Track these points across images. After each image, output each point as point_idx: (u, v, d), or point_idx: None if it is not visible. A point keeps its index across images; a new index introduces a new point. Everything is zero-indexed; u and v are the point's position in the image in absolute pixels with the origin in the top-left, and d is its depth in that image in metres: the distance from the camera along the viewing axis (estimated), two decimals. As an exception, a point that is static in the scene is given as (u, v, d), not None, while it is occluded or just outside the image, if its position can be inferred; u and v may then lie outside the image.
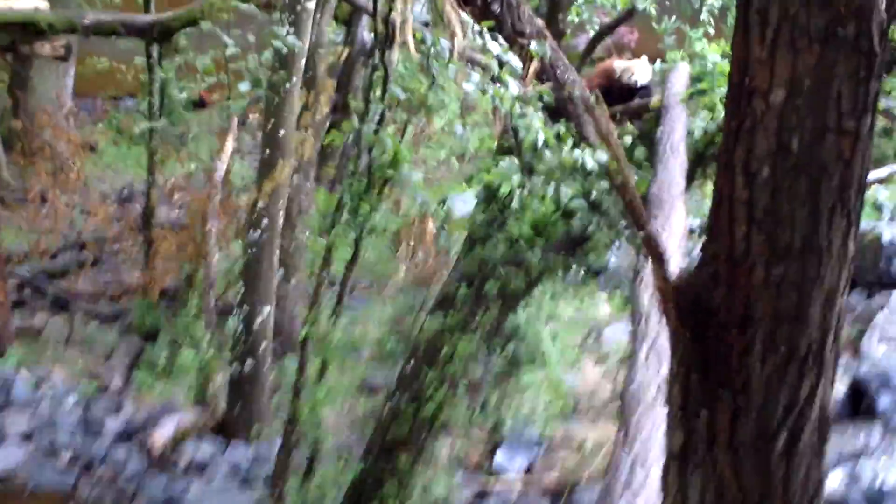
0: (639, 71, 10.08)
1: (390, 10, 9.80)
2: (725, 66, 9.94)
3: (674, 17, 11.59)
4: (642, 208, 3.11)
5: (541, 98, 8.29)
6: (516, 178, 8.73)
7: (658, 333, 6.04)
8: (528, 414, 12.98)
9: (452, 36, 7.40)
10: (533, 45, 8.07)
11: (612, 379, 13.85)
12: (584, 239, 9.48)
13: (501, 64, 7.58)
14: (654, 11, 12.56)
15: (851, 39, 2.85)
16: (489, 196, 9.75)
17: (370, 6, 11.45)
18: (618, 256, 15.56)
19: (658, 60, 10.47)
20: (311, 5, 11.61)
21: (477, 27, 7.42)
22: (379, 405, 11.13)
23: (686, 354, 3.08)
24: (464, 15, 7.45)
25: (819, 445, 3.11)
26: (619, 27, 17.83)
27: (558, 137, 8.48)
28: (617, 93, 9.83)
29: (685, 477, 3.17)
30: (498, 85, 7.57)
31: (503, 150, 9.23)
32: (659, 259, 3.05)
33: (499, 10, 7.90)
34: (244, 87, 11.77)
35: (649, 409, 5.26)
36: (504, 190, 8.72)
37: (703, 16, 11.44)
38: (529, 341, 12.97)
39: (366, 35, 14.64)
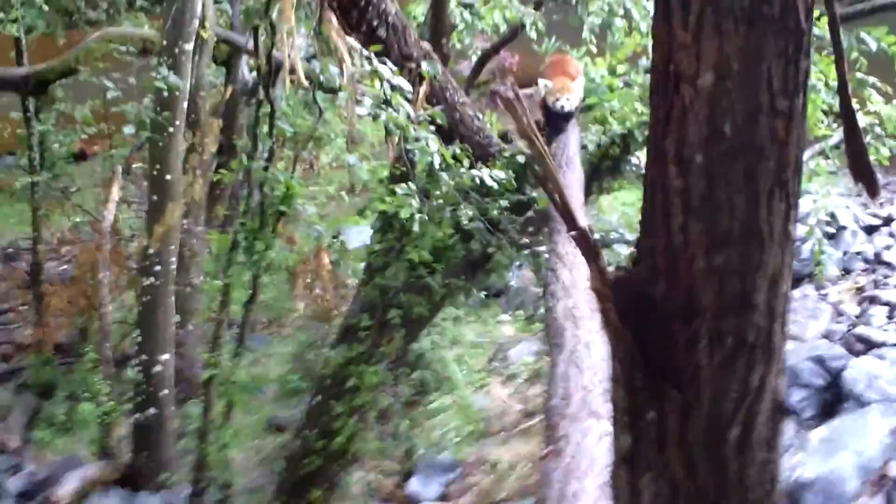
0: (566, 97, 9.21)
1: (272, 46, 9.67)
2: (612, 80, 9.95)
3: (554, 38, 11.53)
4: (570, 205, 2.98)
5: (433, 121, 8.18)
6: (414, 202, 8.60)
7: (575, 346, 5.94)
8: (439, 439, 12.87)
9: (341, 62, 7.25)
10: (424, 66, 7.96)
11: (520, 398, 13.78)
12: (484, 260, 9.38)
13: (392, 87, 7.44)
14: (534, 34, 12.53)
15: (777, 18, 2.75)
16: (385, 225, 9.62)
17: (250, 45, 11.34)
18: (518, 276, 15.54)
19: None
20: (190, 47, 11.40)
21: (365, 52, 7.26)
22: (288, 442, 10.93)
23: (628, 354, 2.95)
24: (351, 40, 7.31)
25: (773, 436, 2.99)
26: (501, 52, 17.91)
27: (454, 158, 8.38)
28: (545, 120, 9.39)
29: (636, 481, 3.04)
30: (390, 109, 7.42)
31: (397, 178, 9.09)
32: (594, 257, 2.92)
33: (385, 35, 7.77)
34: (128, 130, 11.50)
35: (575, 420, 5.15)
36: (403, 215, 8.58)
37: (585, 34, 11.38)
38: (435, 367, 12.90)
39: (247, 74, 14.46)
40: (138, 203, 16.85)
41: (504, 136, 9.54)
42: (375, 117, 7.69)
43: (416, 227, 8.35)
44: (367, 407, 9.85)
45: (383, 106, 7.39)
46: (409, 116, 7.58)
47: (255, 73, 14.01)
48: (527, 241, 9.33)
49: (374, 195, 10.17)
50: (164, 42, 11.41)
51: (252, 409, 13.03)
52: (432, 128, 8.21)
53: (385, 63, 7.45)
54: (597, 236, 8.14)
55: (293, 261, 13.88)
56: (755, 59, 2.76)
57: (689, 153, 2.81)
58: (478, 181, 8.47)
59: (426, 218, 8.86)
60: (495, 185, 8.49)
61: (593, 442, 4.91)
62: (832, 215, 15.08)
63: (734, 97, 2.77)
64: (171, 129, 11.32)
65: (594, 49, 11.14)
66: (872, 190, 3.11)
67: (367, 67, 7.45)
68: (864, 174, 3.09)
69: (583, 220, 6.80)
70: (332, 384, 9.90)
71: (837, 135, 10.11)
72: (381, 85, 7.39)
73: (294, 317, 15.37)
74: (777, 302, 2.89)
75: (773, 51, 2.77)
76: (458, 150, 8.31)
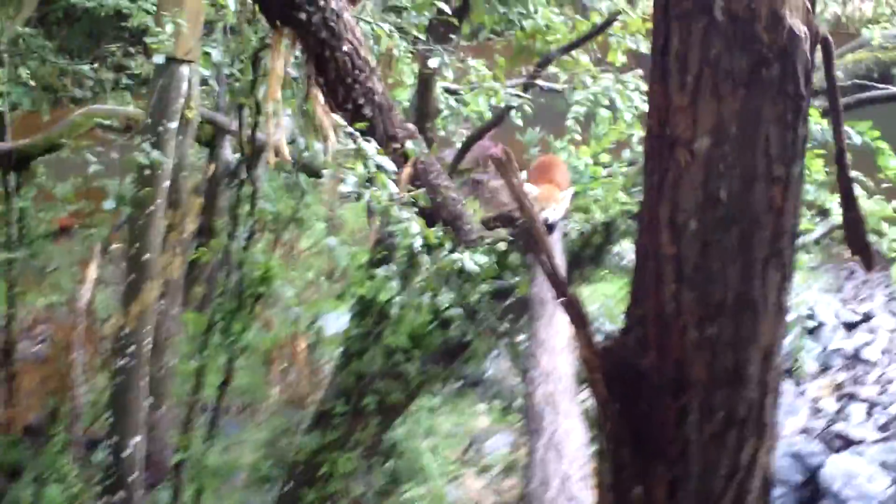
0: (552, 207, 8.44)
1: (256, 125, 9.64)
2: (596, 169, 9.90)
3: (539, 128, 11.50)
4: (559, 270, 2.88)
5: (415, 203, 8.11)
6: (393, 285, 8.51)
7: (555, 431, 5.80)
8: (411, 529, 12.69)
9: (325, 139, 7.18)
10: (409, 144, 7.90)
11: (495, 490, 13.61)
12: (462, 347, 9.26)
13: (377, 167, 7.37)
14: (520, 121, 12.53)
15: (777, 82, 2.68)
16: (363, 309, 9.52)
17: (234, 126, 11.30)
18: (496, 366, 15.45)
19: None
20: (174, 126, 11.35)
21: (350, 129, 7.20)
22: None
23: (615, 426, 2.84)
24: (336, 117, 7.25)
25: (764, 506, 2.88)
26: (483, 140, 17.92)
27: (436, 241, 8.32)
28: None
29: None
30: (374, 188, 7.34)
31: (377, 262, 9.01)
32: (582, 324, 2.82)
33: (370, 114, 7.70)
34: (109, 205, 11.39)
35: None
36: (382, 298, 8.48)
37: (569, 122, 11.34)
38: (409, 457, 12.72)
39: (230, 155, 14.41)
40: (116, 283, 16.70)
41: (486, 224, 9.45)
42: (359, 197, 7.62)
43: (394, 311, 8.24)
44: (340, 495, 9.66)
45: (367, 184, 7.30)
46: (391, 197, 7.50)
47: (238, 155, 13.99)
48: (506, 328, 9.23)
49: (353, 279, 10.04)
50: (149, 119, 11.35)
51: (223, 495, 12.81)
52: (415, 209, 8.15)
53: (370, 142, 7.39)
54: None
55: (269, 344, 13.74)
56: (753, 123, 2.69)
57: (683, 219, 2.73)
58: (459, 265, 8.39)
59: (405, 302, 8.79)
60: (476, 270, 8.40)
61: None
62: (812, 310, 15.05)
63: (730, 162, 2.70)
64: (151, 208, 11.21)
65: (578, 137, 11.10)
66: (868, 262, 3.03)
67: (352, 146, 7.37)
68: (860, 246, 3.01)
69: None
70: (304, 471, 9.74)
71: (820, 228, 10.06)
72: (366, 164, 7.31)
73: (268, 403, 15.18)
74: (770, 375, 2.80)
75: (772, 116, 2.70)
76: (440, 233, 8.24)
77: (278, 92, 7.16)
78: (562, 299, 2.85)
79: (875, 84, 10.67)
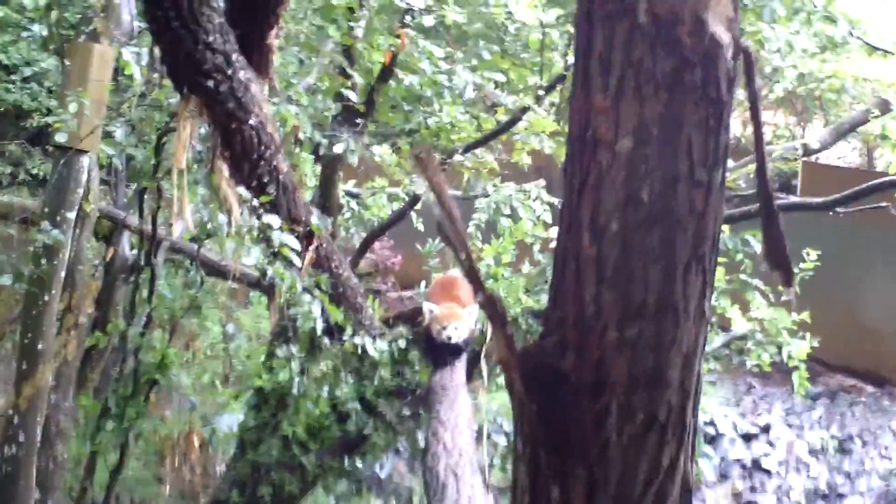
0: (454, 326, 8.17)
1: (156, 213, 9.56)
2: (498, 269, 9.89)
3: (437, 239, 11.47)
4: (477, 267, 2.85)
5: (318, 287, 8.07)
6: (293, 366, 8.41)
7: (457, 500, 5.78)
8: None
9: (230, 212, 7.13)
10: (314, 219, 7.86)
11: None
12: (359, 442, 9.17)
13: (280, 244, 7.33)
14: (422, 226, 12.57)
15: (699, 86, 2.71)
16: (260, 401, 9.38)
17: (132, 221, 11.20)
18: (393, 466, 15.31)
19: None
20: (72, 216, 11.21)
21: (255, 202, 7.15)
22: None
23: (533, 429, 2.80)
24: (241, 190, 7.20)
25: (683, 516, 2.84)
26: (384, 250, 17.95)
27: (337, 326, 8.29)
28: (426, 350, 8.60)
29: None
30: (277, 263, 7.29)
31: (277, 343, 8.93)
32: (500, 324, 2.79)
33: (274, 193, 7.66)
34: (6, 279, 11.18)
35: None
36: (282, 379, 8.38)
37: (471, 230, 11.39)
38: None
39: (127, 252, 14.23)
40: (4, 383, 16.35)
41: (386, 322, 9.42)
42: (262, 273, 7.56)
43: (294, 391, 8.15)
44: (234, 591, 9.44)
45: (271, 258, 7.25)
46: (294, 278, 7.46)
47: (135, 252, 13.84)
48: (405, 425, 9.17)
49: (251, 371, 9.94)
50: (46, 209, 11.19)
51: None
52: (317, 292, 8.11)
53: (276, 217, 7.35)
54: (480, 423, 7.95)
55: (164, 431, 13.51)
56: (675, 126, 2.71)
57: (605, 220, 2.73)
58: (360, 350, 8.35)
59: (304, 391, 8.71)
60: (377, 357, 8.38)
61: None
62: (712, 421, 15.14)
63: (652, 164, 2.70)
64: (45, 298, 11.01)
65: (479, 245, 11.10)
66: (787, 279, 3.03)
67: (256, 222, 7.32)
68: (780, 262, 3.02)
69: (465, 396, 6.74)
70: (196, 564, 9.52)
71: (720, 339, 10.14)
72: (269, 240, 7.26)
73: (160, 500, 14.86)
74: (690, 381, 2.78)
75: (694, 120, 2.72)
76: (342, 316, 8.20)
77: (184, 160, 7.10)
78: (480, 297, 2.81)
79: (776, 194, 10.86)
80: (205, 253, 11.03)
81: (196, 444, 14.45)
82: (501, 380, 9.88)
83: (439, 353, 8.31)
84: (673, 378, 2.73)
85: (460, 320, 8.17)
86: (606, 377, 2.71)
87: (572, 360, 2.73)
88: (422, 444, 8.16)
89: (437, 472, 6.32)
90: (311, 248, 8.15)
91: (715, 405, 15.14)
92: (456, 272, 9.71)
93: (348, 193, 13.17)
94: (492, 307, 2.82)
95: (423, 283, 10.11)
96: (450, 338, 8.13)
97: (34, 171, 16.43)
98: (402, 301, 9.73)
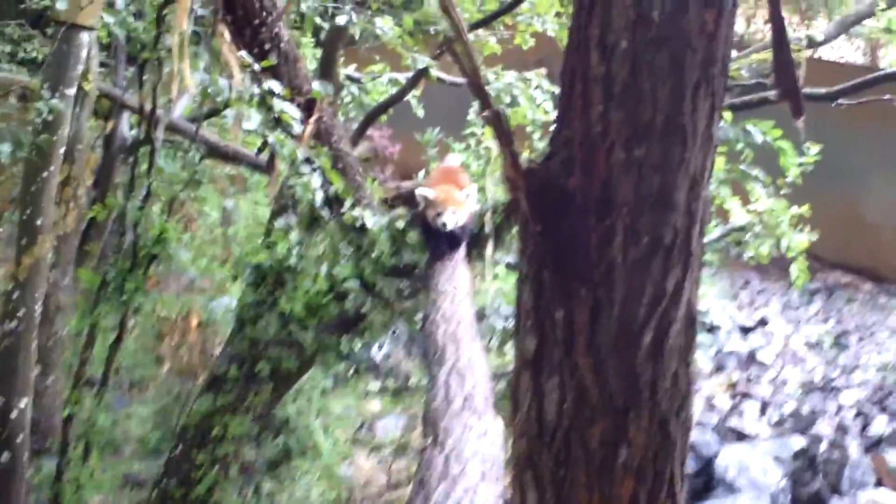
0: (450, 211, 7.65)
1: (156, 87, 9.48)
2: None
3: (438, 128, 11.36)
4: (482, 84, 2.78)
5: (308, 161, 8.00)
6: (293, 237, 8.37)
7: (457, 361, 5.76)
8: (301, 502, 12.50)
9: (231, 76, 7.04)
10: (315, 85, 7.77)
11: (385, 470, 13.53)
12: (358, 320, 9.15)
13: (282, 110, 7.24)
14: (422, 111, 12.47)
15: None
16: (259, 278, 9.35)
17: (132, 101, 11.10)
18: (391, 349, 15.38)
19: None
20: (71, 93, 11.06)
21: (257, 66, 7.06)
22: (145, 498, 10.52)
23: (538, 249, 2.76)
24: (243, 54, 7.10)
25: (687, 347, 2.81)
26: (382, 138, 17.86)
27: (336, 197, 8.24)
28: (434, 234, 7.88)
29: (540, 385, 2.84)
30: (279, 130, 7.21)
31: (278, 213, 8.89)
32: (507, 142, 2.73)
33: (276, 61, 7.57)
34: (5, 147, 11.09)
35: (456, 416, 4.94)
36: (282, 248, 8.34)
37: (470, 116, 11.27)
38: (301, 434, 12.58)
39: (126, 132, 14.15)
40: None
41: (385, 202, 9.37)
42: (264, 142, 7.49)
43: (292, 263, 8.11)
44: (230, 458, 9.50)
45: (271, 124, 7.17)
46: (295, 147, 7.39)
47: (134, 132, 13.77)
48: (403, 304, 9.17)
49: (248, 250, 9.90)
50: (45, 85, 11.05)
51: (109, 466, 12.58)
52: (318, 165, 8.06)
53: (277, 83, 7.26)
54: (479, 305, 7.87)
55: (163, 306, 13.52)
56: (686, -57, 2.63)
57: (614, 39, 2.66)
58: (360, 222, 8.32)
59: (302, 269, 8.69)
60: (375, 230, 8.34)
61: (475, 436, 4.71)
62: (708, 314, 15.16)
63: (664, -19, 2.63)
64: (44, 174, 10.92)
65: (479, 132, 11.00)
66: (797, 107, 2.97)
67: (256, 90, 7.23)
68: (789, 89, 2.95)
69: (464, 268, 6.65)
70: (194, 434, 9.58)
71: (718, 230, 10.07)
72: (270, 106, 7.17)
73: (158, 381, 14.92)
74: (697, 205, 2.73)
75: (704, -65, 2.64)
76: (342, 186, 8.16)
77: (185, 22, 7.00)
78: (487, 113, 2.75)
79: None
80: (204, 133, 10.97)
81: (194, 324, 14.50)
82: (501, 267, 9.87)
83: (436, 242, 7.89)
84: (679, 201, 2.68)
85: (457, 205, 7.69)
86: (612, 197, 2.66)
87: (578, 180, 2.68)
88: (420, 324, 8.13)
89: (436, 337, 6.29)
90: (312, 119, 8.07)
91: (712, 298, 15.13)
92: (455, 159, 9.60)
93: (349, 77, 13.06)
94: (498, 124, 2.77)
95: (421, 173, 9.98)
96: (445, 224, 7.64)
97: (34, 54, 16.30)
98: (399, 191, 9.64)
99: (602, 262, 2.68)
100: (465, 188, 7.84)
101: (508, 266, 9.88)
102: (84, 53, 11.19)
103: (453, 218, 7.66)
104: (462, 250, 8.00)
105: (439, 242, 7.83)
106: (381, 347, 14.86)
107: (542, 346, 2.81)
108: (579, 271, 2.69)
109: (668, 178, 2.66)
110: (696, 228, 2.74)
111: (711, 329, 15.76)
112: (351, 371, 14.45)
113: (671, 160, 2.65)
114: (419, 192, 7.79)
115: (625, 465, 2.85)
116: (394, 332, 14.53)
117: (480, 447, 4.58)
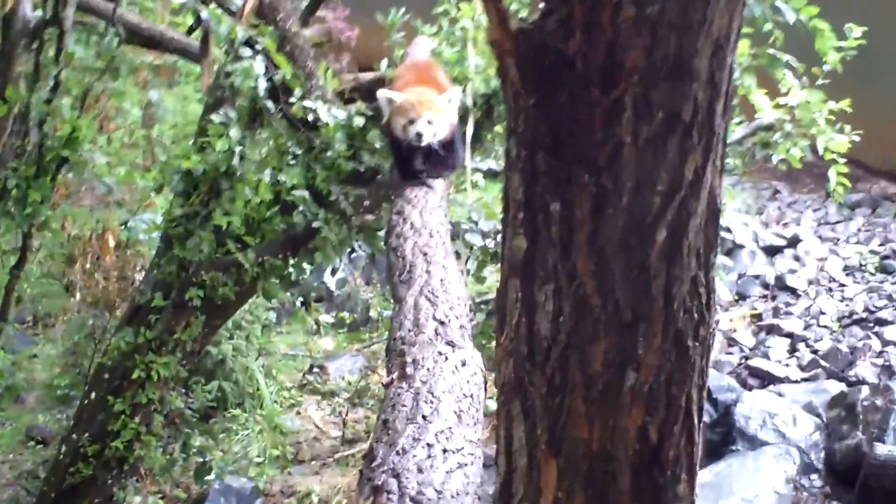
0: (425, 119, 7.15)
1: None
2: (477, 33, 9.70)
3: (403, 10, 11.23)
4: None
5: (249, 43, 7.95)
6: (234, 133, 8.31)
7: (427, 281, 5.76)
8: (239, 460, 12.55)
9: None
10: (258, -51, 7.71)
11: (338, 422, 13.56)
12: (308, 236, 9.11)
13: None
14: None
15: None
16: (189, 187, 9.26)
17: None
18: (347, 271, 15.40)
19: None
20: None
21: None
22: (53, 453, 10.52)
23: (530, 128, 2.71)
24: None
25: (708, 248, 2.78)
26: (337, 21, 17.73)
27: (283, 87, 8.19)
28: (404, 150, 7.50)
29: (531, 294, 2.81)
30: (213, 5, 7.16)
31: (210, 109, 8.83)
32: (494, -1, 2.68)
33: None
34: None
35: (427, 346, 4.94)
36: (221, 147, 8.27)
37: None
38: (237, 378, 12.57)
39: (29, 11, 14.02)
40: None
41: (341, 96, 9.30)
42: (196, 20, 7.44)
43: (233, 164, 8.06)
44: (154, 407, 9.49)
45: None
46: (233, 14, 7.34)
47: (38, 13, 13.63)
48: (364, 220, 9.14)
49: (177, 152, 9.83)
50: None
51: (10, 417, 12.63)
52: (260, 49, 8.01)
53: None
54: (453, 219, 7.90)
55: (72, 223, 13.48)
56: None
57: None
58: (310, 122, 8.29)
59: (242, 176, 8.64)
60: (330, 124, 8.28)
61: (450, 369, 4.70)
62: (728, 230, 15.14)
63: None
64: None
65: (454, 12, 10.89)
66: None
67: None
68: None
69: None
70: (111, 378, 9.53)
71: (740, 130, 10.02)
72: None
73: (68, 314, 14.90)
74: (722, 75, 2.69)
75: None
76: (290, 72, 8.12)
77: None
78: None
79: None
80: (123, 13, 10.85)
81: (111, 244, 14.45)
82: (478, 175, 9.84)
83: (406, 162, 7.51)
84: (700, 68, 2.64)
85: (435, 110, 7.24)
86: (620, 64, 2.61)
87: (579, 42, 2.63)
88: (383, 245, 8.06)
89: (403, 252, 6.27)
90: (254, -7, 8.04)
91: (733, 212, 15.12)
92: (424, 44, 9.49)
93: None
94: (483, -23, 2.72)
95: (384, 63, 9.84)
96: (420, 136, 7.20)
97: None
98: (358, 82, 9.52)
99: (608, 142, 2.64)
100: (445, 91, 7.47)
101: (489, 173, 9.85)
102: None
103: (430, 129, 7.26)
104: (440, 190, 7.60)
105: (411, 160, 7.48)
106: (335, 272, 14.79)
107: (535, 247, 2.77)
108: (580, 153, 2.65)
109: (687, 41, 2.62)
110: (720, 103, 2.70)
111: (731, 250, 15.77)
112: (299, 301, 14.40)
113: (691, 18, 2.61)
114: (383, 94, 7.48)
115: (632, 390, 2.82)
116: (351, 254, 14.53)
117: (456, 382, 4.58)
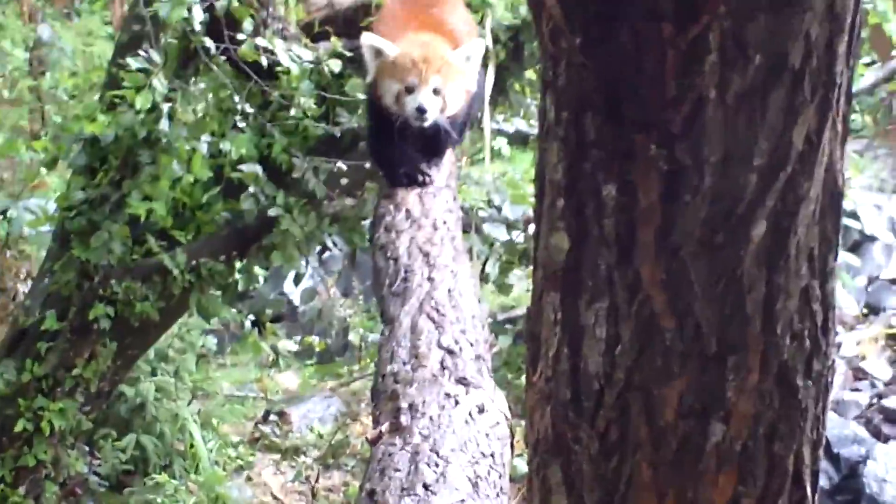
0: (431, 87, 6.68)
1: None
2: None
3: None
4: None
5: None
6: (158, 84, 8.31)
7: (430, 293, 5.82)
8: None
9: None
10: None
11: (306, 489, 13.61)
12: (260, 230, 9.11)
13: None
14: None
15: None
16: (94, 159, 9.24)
17: None
18: (316, 278, 15.44)
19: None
20: None
21: None
22: None
23: (574, 80, 2.71)
24: None
25: (824, 250, 2.77)
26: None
27: (227, 18, 8.21)
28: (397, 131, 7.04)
29: (575, 315, 2.79)
30: None
31: (127, 48, 8.86)
32: None
33: None
34: None
35: (431, 386, 4.98)
36: (140, 105, 8.27)
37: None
38: (164, 430, 12.59)
39: None
40: None
41: (308, 29, 9.29)
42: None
43: (161, 125, 8.07)
44: (46, 472, 9.55)
45: None
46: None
47: None
48: (340, 204, 9.15)
49: (78, 112, 9.83)
50: None
51: None
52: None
53: None
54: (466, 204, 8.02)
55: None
56: None
57: None
58: (264, 66, 8.30)
59: (168, 144, 8.65)
60: (295, 72, 8.29)
61: (461, 417, 4.71)
62: (854, 216, 15.09)
63: None
64: None
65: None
66: None
67: None
68: None
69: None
70: (-13, 430, 9.58)
71: (870, 74, 10.04)
72: None
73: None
74: (845, 12, 2.68)
75: None
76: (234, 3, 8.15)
77: None
78: None
79: None
80: None
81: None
82: (501, 141, 9.87)
83: (399, 149, 7.17)
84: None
85: (447, 73, 6.85)
86: (700, -7, 2.61)
87: (646, -41, 2.64)
88: (367, 241, 8.09)
89: (395, 251, 6.28)
90: None
91: (860, 190, 15.13)
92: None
93: None
94: None
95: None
96: (423, 111, 6.77)
97: None
98: (333, 11, 9.46)
99: (685, 99, 2.63)
100: (461, 42, 7.08)
101: (516, 137, 9.87)
102: None
103: (436, 101, 6.86)
104: (447, 164, 7.36)
105: (405, 148, 7.14)
106: (299, 280, 14.81)
107: (581, 248, 2.75)
108: (645, 115, 2.65)
109: (797, -48, 2.64)
110: (842, 41, 2.69)
111: (859, 244, 15.77)
112: (249, 321, 14.42)
113: (802, -80, 2.63)
114: (369, 42, 7.16)
115: (719, 449, 2.82)
116: (322, 254, 14.57)
117: (471, 436, 4.60)
